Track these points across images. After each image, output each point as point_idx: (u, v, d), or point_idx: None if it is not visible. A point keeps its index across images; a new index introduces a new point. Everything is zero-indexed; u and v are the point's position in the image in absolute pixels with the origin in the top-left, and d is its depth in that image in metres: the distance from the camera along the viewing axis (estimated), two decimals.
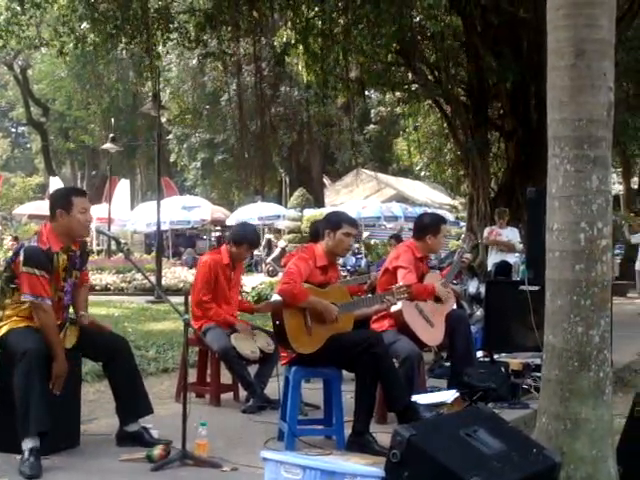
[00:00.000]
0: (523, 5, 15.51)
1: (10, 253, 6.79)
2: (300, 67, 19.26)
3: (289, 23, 16.86)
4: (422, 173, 33.06)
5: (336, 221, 6.00)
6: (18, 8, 15.95)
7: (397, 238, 13.31)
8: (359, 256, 27.62)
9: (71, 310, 5.72)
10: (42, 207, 38.04)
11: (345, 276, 9.92)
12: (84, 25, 16.33)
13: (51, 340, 5.27)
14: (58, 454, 5.28)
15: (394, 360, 6.10)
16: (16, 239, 32.57)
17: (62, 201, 5.49)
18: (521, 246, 13.62)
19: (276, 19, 18.97)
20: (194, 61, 28.97)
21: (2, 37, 16.59)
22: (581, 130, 4.52)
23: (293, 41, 16.64)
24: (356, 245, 28.15)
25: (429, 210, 27.86)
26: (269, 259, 29.00)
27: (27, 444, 4.99)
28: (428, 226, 7.01)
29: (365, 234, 32.17)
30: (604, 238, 4.54)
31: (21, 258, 5.28)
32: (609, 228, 4.59)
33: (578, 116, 4.54)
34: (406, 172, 42.70)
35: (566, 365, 4.54)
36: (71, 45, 16.96)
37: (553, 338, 4.61)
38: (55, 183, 38.29)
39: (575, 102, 4.55)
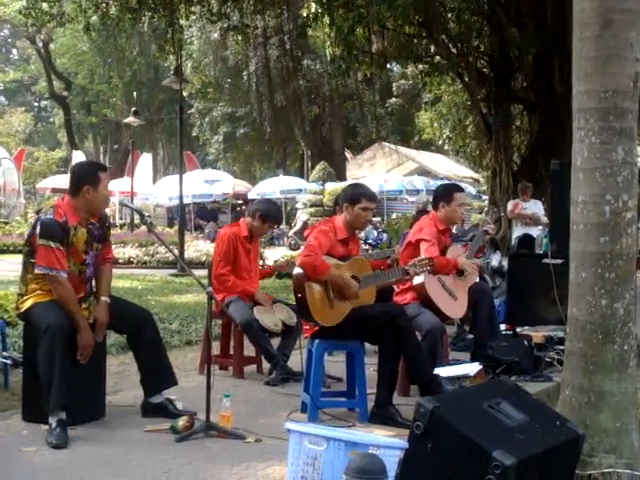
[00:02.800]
0: None
1: None
2: (322, 40, 19.16)
3: None
4: (445, 147, 32.88)
5: (354, 195, 5.97)
6: None
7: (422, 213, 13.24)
8: (381, 230, 27.55)
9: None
10: (65, 181, 38.18)
11: (367, 250, 9.91)
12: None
13: (71, 311, 5.31)
14: (84, 425, 5.35)
15: (417, 333, 6.11)
16: (38, 212, 32.86)
17: (90, 177, 5.47)
18: (546, 219, 13.56)
19: None
20: (216, 34, 28.88)
21: (30, 15, 16.62)
22: (607, 101, 4.48)
23: (318, 12, 16.53)
24: (378, 219, 28.10)
25: None
26: (291, 232, 29.03)
27: (53, 417, 5.06)
28: (441, 195, 7.03)
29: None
30: (629, 210, 4.51)
31: (37, 230, 5.32)
32: (634, 200, 4.55)
33: (604, 87, 4.49)
34: (428, 145, 42.52)
35: (590, 338, 4.52)
36: (94, 18, 16.97)
37: (577, 311, 4.60)
38: (78, 157, 38.50)
39: (601, 73, 4.50)
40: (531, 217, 13.73)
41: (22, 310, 5.48)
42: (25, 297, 5.45)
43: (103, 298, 5.58)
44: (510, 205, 14.23)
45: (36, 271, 5.33)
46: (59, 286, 5.31)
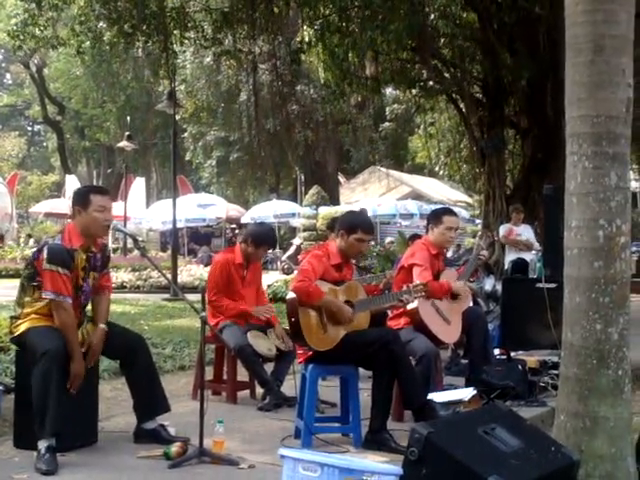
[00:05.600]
0: (539, 2, 15.45)
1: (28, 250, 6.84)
2: (316, 65, 19.23)
3: (306, 21, 16.84)
4: (439, 171, 32.94)
5: (351, 224, 5.93)
6: (35, 10, 15.93)
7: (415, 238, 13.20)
8: (374, 254, 27.51)
9: (88, 307, 5.74)
10: (58, 205, 38.31)
11: (360, 274, 9.89)
12: (101, 24, 16.36)
13: (70, 339, 5.28)
14: (76, 451, 5.30)
15: (411, 358, 6.09)
16: (29, 236, 32.82)
17: (80, 198, 5.53)
18: (537, 244, 13.57)
19: (292, 17, 18.97)
20: (208, 59, 28.96)
21: (19, 38, 16.64)
22: (600, 127, 4.50)
23: (311, 39, 16.62)
24: (372, 243, 28.07)
25: None
26: (284, 257, 29.02)
27: (43, 443, 5.01)
28: (430, 217, 7.07)
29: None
30: (623, 235, 4.51)
31: (44, 255, 5.29)
32: (628, 225, 4.56)
33: (597, 112, 4.51)
34: (421, 169, 42.64)
35: (585, 363, 4.51)
36: (88, 44, 17.01)
37: (571, 336, 4.59)
38: (71, 181, 38.51)
39: (594, 98, 4.52)
40: (525, 243, 13.72)
41: (16, 334, 5.44)
42: (20, 321, 5.42)
43: (101, 325, 5.57)
44: (503, 230, 14.20)
45: (43, 296, 5.30)
46: (63, 312, 5.29)
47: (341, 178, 42.46)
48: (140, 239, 6.15)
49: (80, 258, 5.45)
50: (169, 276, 17.31)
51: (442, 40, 17.94)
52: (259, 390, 7.14)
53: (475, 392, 6.35)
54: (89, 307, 5.74)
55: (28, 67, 47.17)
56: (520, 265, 12.92)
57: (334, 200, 34.57)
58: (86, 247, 5.50)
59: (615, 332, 4.49)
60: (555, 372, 6.96)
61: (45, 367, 5.08)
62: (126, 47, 17.78)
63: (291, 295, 5.67)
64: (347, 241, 5.88)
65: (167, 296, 17.60)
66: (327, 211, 28.54)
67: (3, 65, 63.59)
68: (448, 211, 7.20)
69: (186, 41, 18.07)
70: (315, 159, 37.78)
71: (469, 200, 35.75)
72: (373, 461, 4.71)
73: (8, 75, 64.29)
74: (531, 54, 15.78)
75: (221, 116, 37.67)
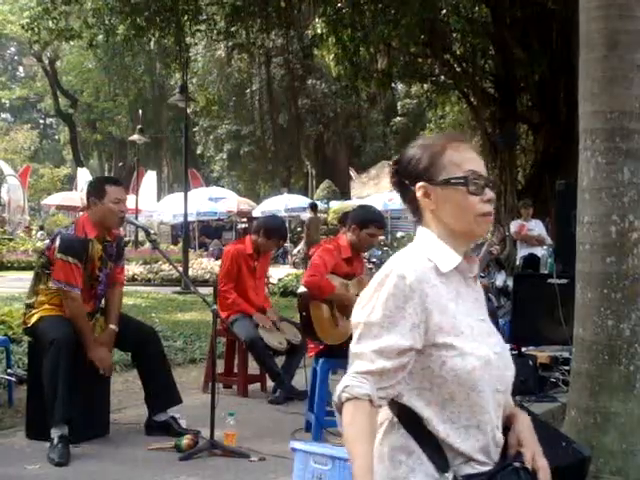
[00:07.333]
0: None
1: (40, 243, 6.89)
2: (328, 59, 19.20)
3: (319, 15, 16.82)
4: None
5: (364, 219, 5.95)
6: (49, 3, 15.95)
7: None
8: (385, 248, 27.50)
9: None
10: (70, 198, 38.41)
11: (371, 269, 9.90)
12: (114, 18, 16.35)
13: (81, 328, 5.31)
14: (88, 442, 5.33)
15: None
16: (42, 228, 32.94)
17: (95, 189, 5.56)
18: (549, 239, 13.52)
19: (304, 11, 18.95)
20: (220, 52, 28.97)
21: (33, 31, 16.67)
22: (613, 122, 4.48)
23: (323, 33, 16.60)
24: (382, 237, 28.02)
25: None
26: (295, 250, 29.02)
27: (56, 432, 5.04)
28: None
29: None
30: (635, 231, 4.50)
31: (57, 244, 5.33)
32: None
33: (610, 108, 4.50)
34: None
35: (596, 358, 4.51)
36: (101, 37, 17.03)
37: (583, 331, 4.58)
38: (83, 174, 38.63)
39: (607, 94, 4.51)
40: (537, 239, 13.66)
41: (29, 325, 5.48)
42: (33, 311, 5.45)
43: (112, 326, 5.59)
44: (514, 226, 14.14)
45: (50, 285, 5.34)
46: (71, 302, 5.32)
47: (352, 173, 42.43)
48: (152, 232, 6.17)
49: (96, 248, 5.48)
50: (180, 269, 17.34)
51: (454, 35, 17.86)
52: (270, 383, 7.15)
53: None
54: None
55: (41, 60, 47.21)
56: (531, 260, 12.89)
57: (345, 194, 34.55)
58: (101, 238, 5.53)
59: (627, 328, 4.48)
60: (566, 368, 6.95)
61: (54, 355, 5.12)
62: (139, 40, 17.78)
63: (302, 290, 5.69)
64: (359, 235, 5.89)
65: (178, 289, 17.60)
66: (338, 205, 28.52)
67: (16, 58, 63.74)
68: None
69: (198, 34, 18.07)
70: (326, 153, 37.78)
71: None
72: None
73: (21, 68, 64.44)
74: (544, 49, 15.72)
75: (232, 109, 37.71)
